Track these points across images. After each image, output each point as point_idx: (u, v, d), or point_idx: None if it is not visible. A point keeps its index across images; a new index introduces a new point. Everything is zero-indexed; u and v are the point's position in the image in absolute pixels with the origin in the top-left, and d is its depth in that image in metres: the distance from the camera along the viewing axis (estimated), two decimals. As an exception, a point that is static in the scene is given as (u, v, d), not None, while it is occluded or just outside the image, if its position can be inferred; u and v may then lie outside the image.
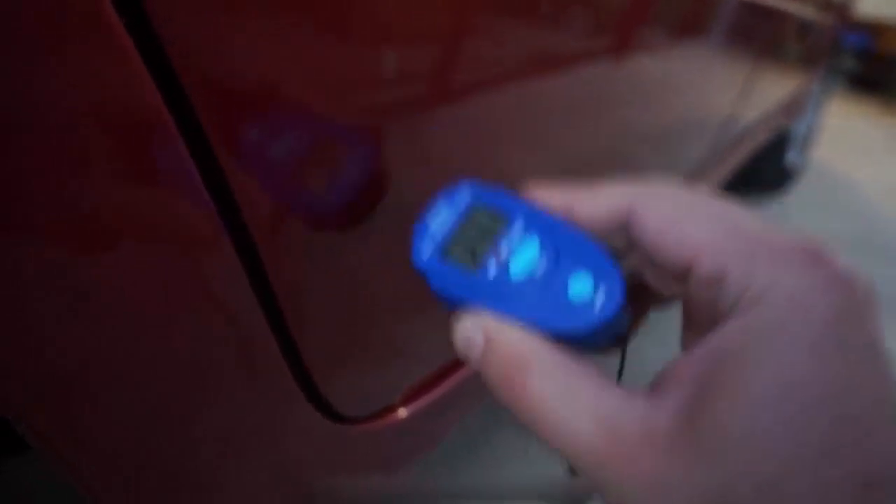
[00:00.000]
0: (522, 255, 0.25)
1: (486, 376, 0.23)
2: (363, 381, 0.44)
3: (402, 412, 0.47)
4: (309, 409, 0.39)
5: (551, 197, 0.26)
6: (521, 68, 0.44)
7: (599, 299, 0.23)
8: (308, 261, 0.34)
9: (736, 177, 1.91)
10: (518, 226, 0.26)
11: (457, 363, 0.54)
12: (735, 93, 1.13)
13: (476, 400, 0.61)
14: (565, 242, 0.25)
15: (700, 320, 0.23)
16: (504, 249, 0.25)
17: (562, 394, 0.21)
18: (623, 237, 0.25)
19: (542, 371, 0.22)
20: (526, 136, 0.49)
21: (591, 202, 0.25)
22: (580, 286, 0.23)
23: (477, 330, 0.24)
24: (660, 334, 0.70)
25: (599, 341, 0.24)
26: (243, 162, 0.28)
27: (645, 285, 0.26)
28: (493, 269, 0.25)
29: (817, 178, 2.72)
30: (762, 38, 1.20)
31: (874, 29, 5.02)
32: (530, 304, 0.23)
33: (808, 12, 1.52)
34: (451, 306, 0.26)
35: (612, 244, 0.25)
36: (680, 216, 0.23)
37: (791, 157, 2.35)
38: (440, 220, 0.27)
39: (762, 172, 2.27)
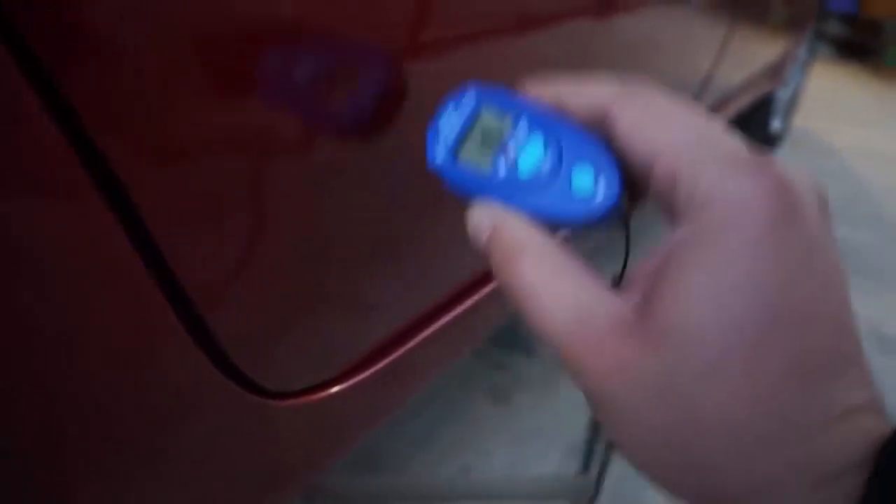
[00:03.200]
0: (529, 154, 0.27)
1: (490, 260, 0.26)
2: (290, 357, 0.41)
3: (337, 387, 0.44)
4: (224, 382, 0.36)
5: (543, 92, 0.28)
6: (499, 28, 0.42)
7: (600, 190, 0.25)
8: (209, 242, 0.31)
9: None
10: (523, 125, 0.28)
11: (396, 339, 0.51)
12: (712, 54, 1.09)
13: (420, 379, 0.58)
14: (567, 139, 0.27)
15: (667, 219, 0.24)
16: (511, 148, 0.27)
17: (548, 281, 0.24)
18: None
19: (535, 258, 0.24)
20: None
21: (576, 98, 0.26)
22: (582, 179, 0.26)
23: (486, 218, 0.26)
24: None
25: (603, 225, 0.26)
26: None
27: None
28: (502, 168, 0.27)
29: (799, 143, 2.70)
30: (743, 2, 1.16)
31: (860, -7, 4.97)
32: (538, 197, 0.26)
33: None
34: (466, 200, 0.28)
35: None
36: (647, 119, 0.24)
37: (775, 122, 2.32)
38: (450, 122, 0.29)
39: (746, 138, 2.24)
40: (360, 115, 0.35)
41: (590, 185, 0.25)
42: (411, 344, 0.51)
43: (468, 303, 0.57)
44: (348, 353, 0.46)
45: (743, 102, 1.68)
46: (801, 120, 2.82)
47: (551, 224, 0.26)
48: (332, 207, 0.38)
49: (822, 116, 3.16)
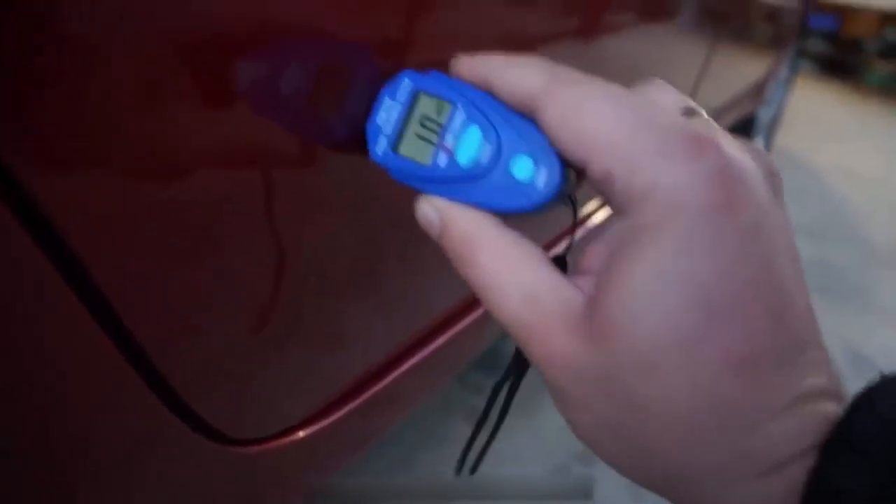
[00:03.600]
0: (467, 145, 0.27)
1: (445, 251, 0.26)
2: (254, 402, 0.39)
3: (304, 432, 0.43)
4: (185, 431, 0.34)
5: (473, 75, 0.27)
6: (487, 48, 0.41)
7: (541, 179, 0.25)
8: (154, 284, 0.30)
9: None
10: (460, 114, 0.27)
11: (370, 376, 0.49)
12: (694, 74, 1.09)
13: (395, 413, 0.57)
14: (505, 127, 0.26)
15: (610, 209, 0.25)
16: (450, 139, 0.27)
17: (501, 270, 0.24)
18: None
19: (487, 249, 0.25)
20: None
21: (504, 81, 0.26)
22: (522, 169, 0.25)
23: (432, 213, 0.27)
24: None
25: (548, 209, 0.26)
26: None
27: None
28: (442, 160, 0.27)
29: (779, 162, 2.73)
30: (724, 21, 1.17)
31: (841, 12, 5.06)
32: (480, 188, 0.26)
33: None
34: (413, 190, 0.28)
35: None
36: (574, 115, 0.23)
37: (757, 142, 2.34)
38: (387, 114, 0.29)
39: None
40: (338, 135, 0.34)
41: (530, 174, 0.25)
42: (386, 381, 0.49)
43: (445, 337, 0.56)
44: (320, 393, 0.45)
45: (725, 123, 1.69)
46: (781, 138, 2.85)
47: (496, 213, 0.26)
48: (302, 237, 0.36)
49: (802, 134, 3.19)
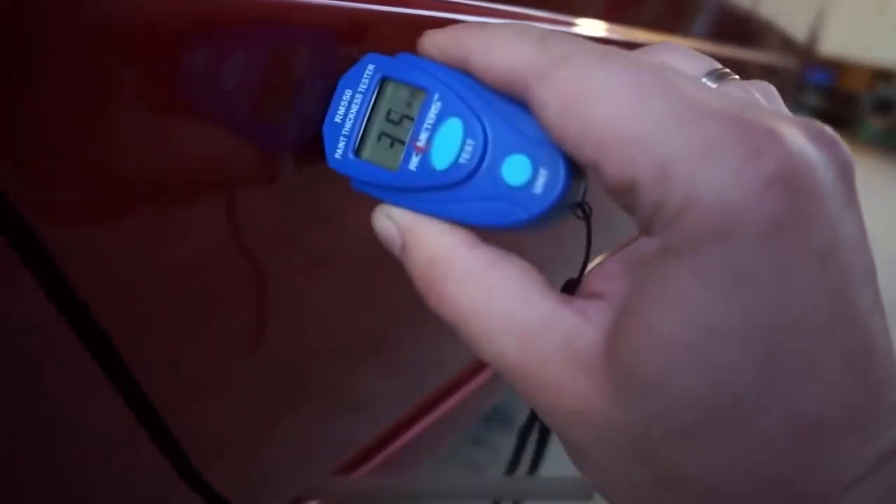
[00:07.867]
0: (444, 142, 0.21)
1: (410, 277, 0.21)
2: (264, 471, 0.39)
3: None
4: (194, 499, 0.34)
5: (443, 51, 0.21)
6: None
7: (540, 183, 0.19)
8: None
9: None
10: (436, 103, 0.21)
11: (378, 446, 0.49)
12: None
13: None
14: (493, 117, 0.20)
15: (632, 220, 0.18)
16: (423, 137, 0.21)
17: (480, 303, 0.19)
18: None
19: (459, 276, 0.19)
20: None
21: (485, 59, 0.19)
22: (516, 171, 0.20)
23: (390, 227, 0.21)
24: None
25: (552, 221, 0.20)
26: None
27: None
28: (413, 163, 0.21)
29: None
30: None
31: (837, 67, 5.18)
32: (462, 198, 0.20)
33: (773, 58, 1.53)
34: (379, 201, 0.23)
35: None
36: (583, 95, 0.17)
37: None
38: (349, 109, 0.23)
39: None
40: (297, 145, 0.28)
41: (526, 177, 0.19)
42: (395, 446, 0.49)
43: (455, 399, 0.55)
44: (331, 460, 0.44)
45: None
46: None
47: (484, 229, 0.21)
48: (314, 298, 0.36)
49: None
